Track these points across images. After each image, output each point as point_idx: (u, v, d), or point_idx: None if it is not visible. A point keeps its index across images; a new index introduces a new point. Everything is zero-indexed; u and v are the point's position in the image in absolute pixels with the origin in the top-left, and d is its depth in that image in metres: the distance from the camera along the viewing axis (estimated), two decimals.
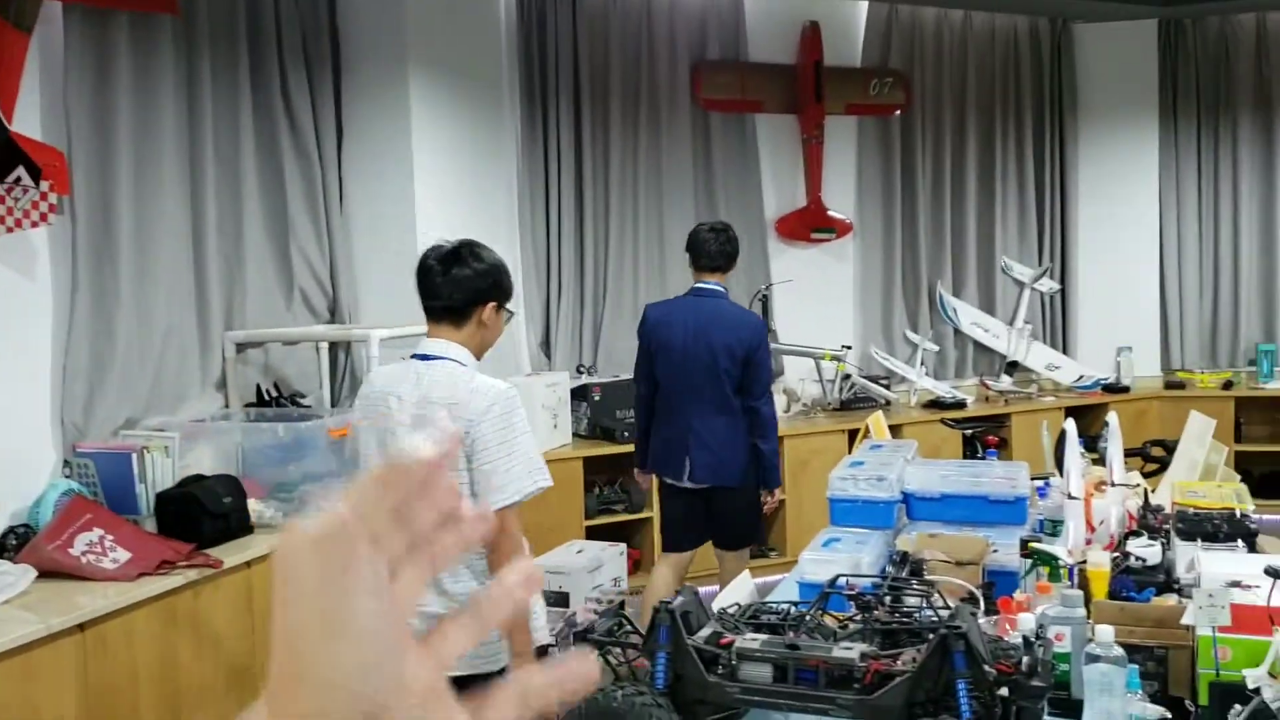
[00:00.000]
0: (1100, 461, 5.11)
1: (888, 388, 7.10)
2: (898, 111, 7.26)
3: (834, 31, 7.02)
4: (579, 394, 6.17)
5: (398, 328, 4.80)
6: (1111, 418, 3.59)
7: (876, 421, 4.04)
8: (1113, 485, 3.23)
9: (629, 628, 1.97)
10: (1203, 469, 3.82)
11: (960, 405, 7.10)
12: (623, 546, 5.38)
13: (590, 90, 6.29)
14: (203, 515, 3.78)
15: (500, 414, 2.68)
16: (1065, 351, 7.94)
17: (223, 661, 3.63)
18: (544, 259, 6.25)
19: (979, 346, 7.68)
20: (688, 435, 4.40)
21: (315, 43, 5.03)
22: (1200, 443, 4.02)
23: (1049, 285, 7.85)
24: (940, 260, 7.56)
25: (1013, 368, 7.63)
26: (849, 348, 6.87)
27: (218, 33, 4.59)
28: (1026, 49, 7.73)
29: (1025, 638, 1.82)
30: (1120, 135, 7.87)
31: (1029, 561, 2.64)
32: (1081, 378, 7.69)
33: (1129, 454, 5.40)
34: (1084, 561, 2.62)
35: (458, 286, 2.82)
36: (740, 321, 4.50)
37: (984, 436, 7.06)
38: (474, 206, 5.65)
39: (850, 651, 1.76)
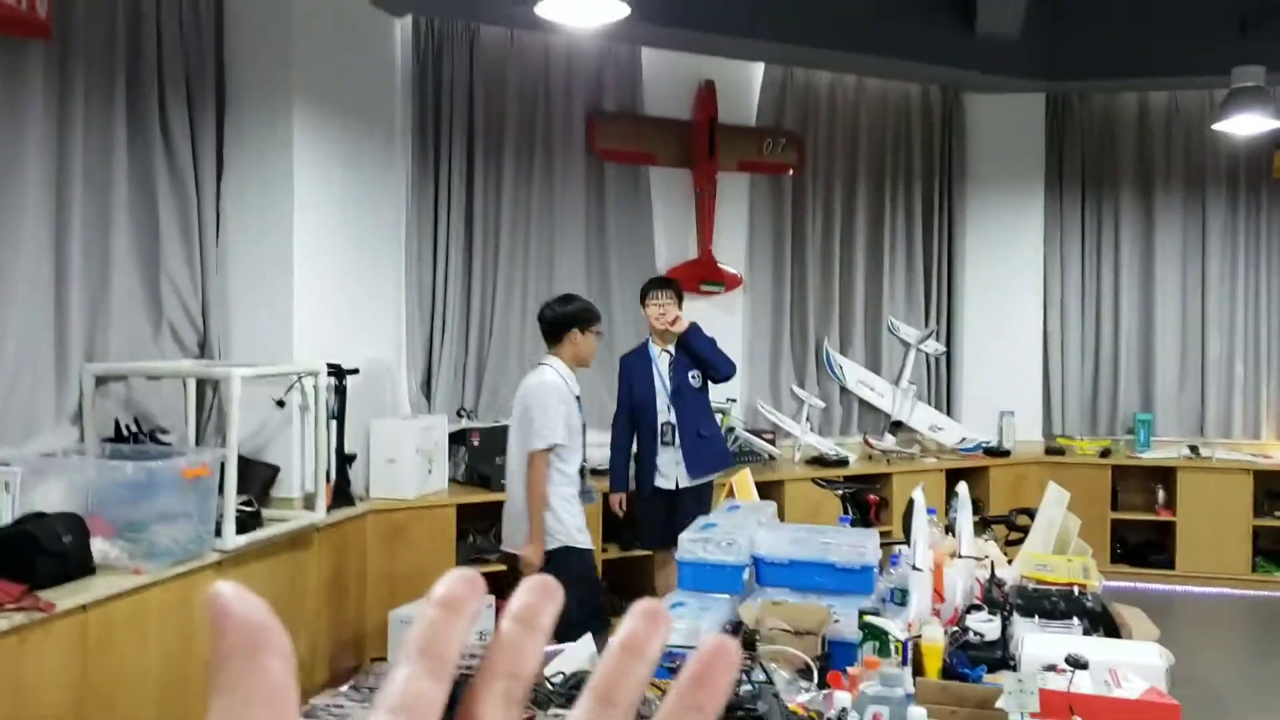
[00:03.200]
0: (1010, 526, 5.26)
1: (773, 443, 7.15)
2: (790, 171, 7.38)
3: (729, 89, 7.12)
4: (459, 439, 6.11)
5: (256, 364, 4.70)
6: (961, 488, 3.64)
7: (741, 480, 4.05)
8: (960, 557, 3.27)
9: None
10: (1056, 540, 3.89)
11: (843, 463, 7.18)
12: (492, 599, 5.31)
13: (485, 133, 6.28)
14: (38, 554, 3.63)
15: (544, 394, 4.25)
16: (949, 413, 8.09)
17: (47, 710, 3.48)
18: (429, 300, 6.19)
19: (864, 404, 7.78)
20: None
21: (199, 73, 4.95)
22: (1056, 513, 4.09)
23: (934, 347, 8.01)
24: (828, 317, 7.67)
25: (897, 427, 7.75)
26: (733, 400, 6.91)
27: (94, 59, 4.49)
28: (918, 116, 7.93)
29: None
30: (1007, 204, 8.10)
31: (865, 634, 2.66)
32: (964, 440, 7.83)
33: (994, 521, 5.53)
34: (919, 636, 2.64)
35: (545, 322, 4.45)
36: None
37: (865, 496, 7.15)
38: (356, 245, 5.59)
39: None
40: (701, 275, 7.06)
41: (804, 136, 7.46)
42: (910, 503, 3.16)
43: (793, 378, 7.54)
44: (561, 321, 4.39)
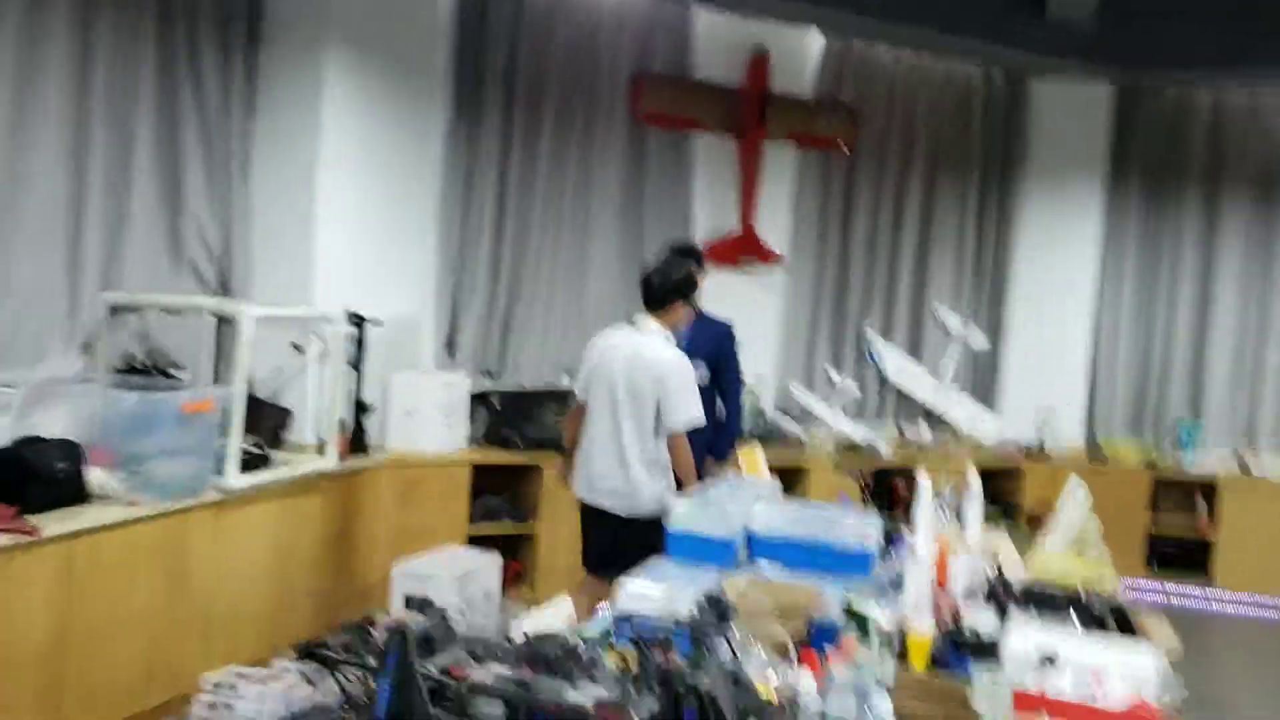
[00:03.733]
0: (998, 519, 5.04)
1: (803, 426, 6.99)
2: (842, 146, 7.18)
3: (785, 58, 6.93)
4: (481, 400, 6.03)
5: (276, 306, 4.64)
6: (973, 478, 3.47)
7: (749, 456, 3.92)
8: (966, 550, 3.12)
9: (369, 645, 1.83)
10: (1076, 542, 3.72)
11: (874, 451, 7.00)
12: (498, 556, 5.23)
13: (526, 87, 6.15)
14: (31, 479, 3.60)
15: (686, 369, 4.16)
16: (990, 407, 7.87)
17: (30, 636, 3.44)
18: (458, 258, 6.09)
19: (901, 393, 7.59)
20: None
21: (232, 5, 4.87)
22: (1077, 513, 3.92)
23: (979, 342, 7.78)
24: (870, 302, 7.47)
25: (934, 419, 7.56)
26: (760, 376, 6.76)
27: None
28: (980, 99, 7.68)
29: (783, 703, 1.69)
30: (1066, 196, 7.84)
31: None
32: (1003, 437, 7.62)
33: (1031, 520, 5.33)
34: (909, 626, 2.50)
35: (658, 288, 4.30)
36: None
37: (891, 482, 6.97)
38: (387, 194, 5.50)
39: (584, 697, 1.63)
40: (742, 250, 6.90)
41: (859, 112, 7.26)
42: (914, 490, 3.01)
43: (829, 360, 7.36)
44: (673, 289, 4.27)
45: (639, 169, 6.60)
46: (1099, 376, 7.96)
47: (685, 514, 3.02)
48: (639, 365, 4.15)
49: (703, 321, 4.81)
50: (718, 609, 2.44)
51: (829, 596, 2.68)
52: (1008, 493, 7.47)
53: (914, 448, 7.26)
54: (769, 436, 6.83)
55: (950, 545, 3.37)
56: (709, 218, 6.88)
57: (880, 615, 2.39)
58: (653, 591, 2.63)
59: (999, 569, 3.07)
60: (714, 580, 2.78)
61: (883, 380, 7.51)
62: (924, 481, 3.02)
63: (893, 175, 7.45)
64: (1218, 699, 5.61)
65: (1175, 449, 7.78)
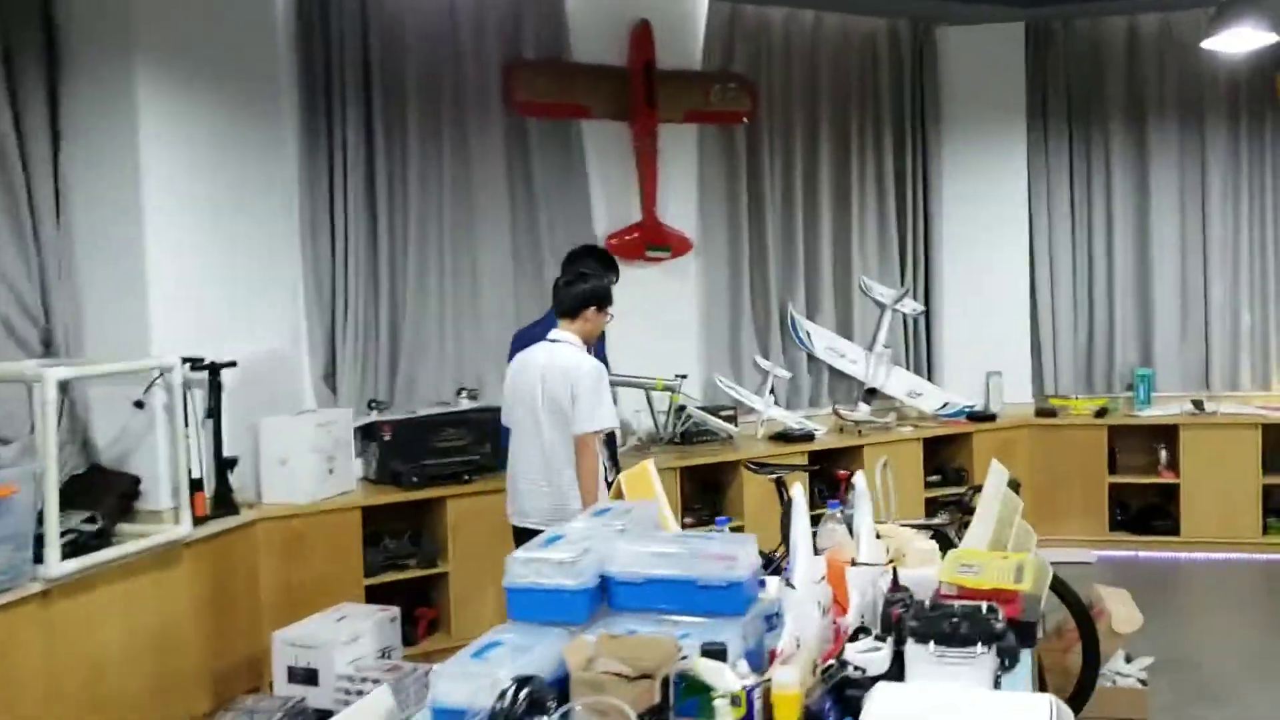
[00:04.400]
0: (963, 509, 4.55)
1: (733, 420, 6.54)
2: (742, 120, 6.72)
3: (669, 31, 6.46)
4: (371, 433, 5.55)
5: (100, 363, 4.14)
6: (859, 479, 3.02)
7: (635, 477, 3.45)
8: (855, 564, 2.68)
9: None
10: (994, 533, 3.28)
11: (808, 437, 6.56)
12: (395, 611, 4.73)
13: (385, 88, 5.64)
14: None
15: (597, 373, 4.14)
16: (930, 377, 7.45)
17: None
18: (328, 282, 5.59)
19: (835, 373, 7.16)
20: None
21: (21, 30, 4.35)
22: (997, 497, 3.48)
23: (912, 306, 7.37)
24: (793, 280, 7.03)
25: (871, 395, 7.13)
26: (684, 376, 6.30)
27: None
28: (885, 53, 7.24)
29: None
30: (987, 147, 7.42)
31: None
32: (945, 405, 7.21)
33: (947, 504, 4.90)
34: (768, 680, 2.06)
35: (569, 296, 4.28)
36: None
37: (834, 473, 6.53)
38: (233, 222, 4.97)
39: None
40: (647, 239, 6.43)
41: (756, 81, 6.80)
42: (787, 503, 2.56)
43: (755, 348, 6.91)
44: (584, 297, 4.28)
45: (524, 165, 6.12)
46: (1041, 331, 7.55)
47: (523, 562, 2.55)
48: (552, 374, 4.16)
49: None
50: (534, 695, 1.99)
51: (691, 648, 2.22)
52: (955, 462, 7.05)
53: (854, 429, 6.83)
54: (694, 438, 6.39)
55: (852, 555, 2.93)
56: (609, 209, 6.40)
57: (730, 679, 1.94)
58: (479, 672, 2.17)
59: (894, 579, 2.62)
60: (555, 646, 2.32)
61: (812, 360, 7.08)
62: (796, 493, 2.57)
63: (801, 144, 7.00)
64: (1194, 654, 5.22)
65: (1131, 401, 7.40)
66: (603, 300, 4.34)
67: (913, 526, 4.79)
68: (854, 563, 2.73)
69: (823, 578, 2.57)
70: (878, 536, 3.19)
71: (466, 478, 5.42)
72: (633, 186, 6.42)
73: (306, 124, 5.46)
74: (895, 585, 2.60)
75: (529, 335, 4.66)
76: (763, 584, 2.65)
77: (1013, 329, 7.47)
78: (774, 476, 4.64)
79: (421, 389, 5.81)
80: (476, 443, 5.57)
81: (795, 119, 6.96)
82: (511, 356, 4.53)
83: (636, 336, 5.95)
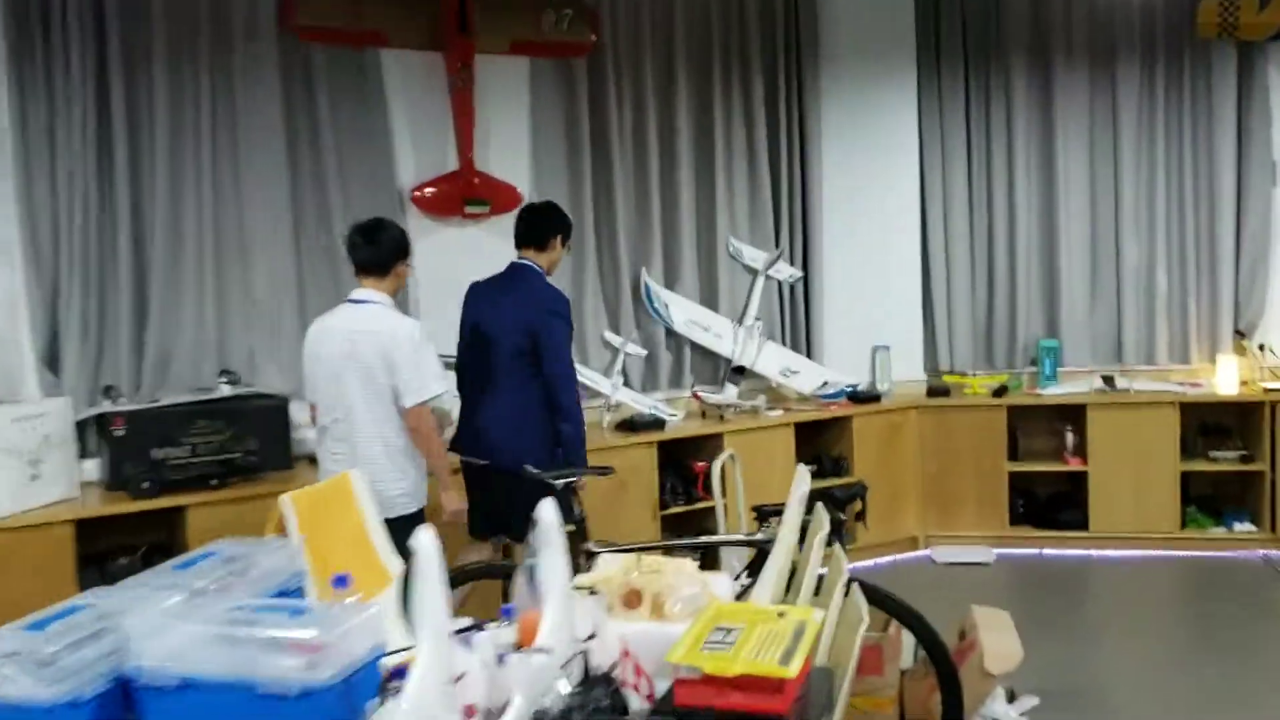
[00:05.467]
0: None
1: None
2: (583, 53, 5.73)
3: None
4: (102, 427, 4.51)
5: None
6: (545, 508, 2.06)
7: (314, 498, 2.47)
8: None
9: None
10: (799, 571, 2.36)
11: (658, 424, 5.62)
12: None
13: (119, 7, 4.60)
14: None
15: (415, 336, 3.73)
16: (808, 353, 6.54)
17: None
18: (50, 239, 4.53)
19: (699, 350, 6.22)
20: None
21: None
22: (798, 518, 2.57)
23: (788, 272, 6.45)
24: (647, 243, 6.06)
25: (740, 374, 6.21)
26: None
27: None
28: None
29: None
30: (871, 90, 6.48)
31: None
32: (825, 384, 6.31)
33: (770, 514, 3.96)
34: None
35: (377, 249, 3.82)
36: None
37: (692, 466, 5.63)
38: None
39: None
40: (463, 192, 5.43)
41: (599, 7, 5.82)
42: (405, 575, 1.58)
43: (603, 321, 5.96)
44: (395, 252, 3.84)
45: (307, 103, 5.07)
46: (934, 299, 6.68)
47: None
48: (364, 341, 3.69)
49: (516, 284, 4.27)
50: None
51: None
52: (834, 450, 6.17)
53: (715, 414, 5.91)
54: None
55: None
56: (418, 157, 5.37)
57: None
58: None
59: (584, 673, 1.67)
60: None
61: (671, 335, 6.14)
62: (421, 543, 1.61)
63: (655, 83, 6.01)
64: (1091, 689, 4.36)
65: (1035, 377, 6.57)
66: (407, 252, 3.89)
67: (733, 544, 3.93)
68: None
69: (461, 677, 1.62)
70: (642, 572, 2.25)
71: (214, 482, 4.40)
72: (447, 130, 5.41)
73: (15, 48, 4.39)
74: (586, 678, 1.66)
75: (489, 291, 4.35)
76: (397, 677, 1.70)
77: (902, 297, 6.59)
78: (563, 482, 3.69)
79: (175, 373, 4.76)
80: (237, 438, 4.55)
81: (647, 53, 5.96)
82: (465, 318, 4.32)
83: (454, 308, 4.95)
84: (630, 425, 5.54)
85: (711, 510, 5.00)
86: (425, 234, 5.30)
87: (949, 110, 6.62)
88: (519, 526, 4.07)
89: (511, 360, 4.14)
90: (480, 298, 4.34)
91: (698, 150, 6.16)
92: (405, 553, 3.26)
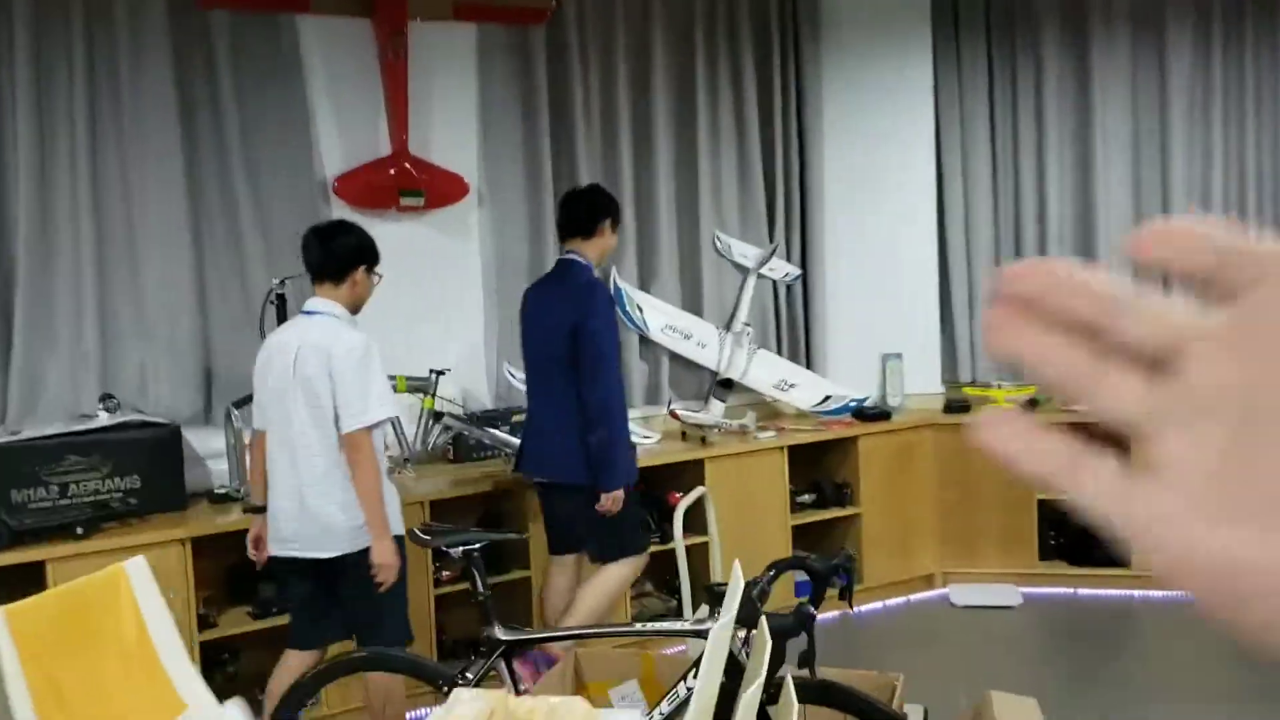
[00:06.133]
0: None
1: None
2: (541, 19, 4.92)
3: None
4: None
5: None
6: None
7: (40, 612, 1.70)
8: None
9: None
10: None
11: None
12: None
13: None
14: None
15: (362, 353, 3.17)
16: (808, 364, 5.72)
17: None
18: None
19: (680, 361, 5.41)
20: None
21: None
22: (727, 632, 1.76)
23: (785, 270, 5.62)
24: (619, 239, 5.25)
25: (728, 388, 5.40)
26: (440, 373, 4.52)
27: None
28: None
29: None
30: (881, 62, 5.63)
31: None
32: (827, 399, 5.49)
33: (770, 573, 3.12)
34: None
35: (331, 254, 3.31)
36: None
37: (667, 496, 4.83)
38: None
39: None
40: (398, 181, 4.65)
41: None
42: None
43: None
44: (351, 257, 3.36)
45: (207, 77, 4.28)
46: (954, 301, 5.83)
47: None
48: (307, 356, 3.23)
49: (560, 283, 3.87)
50: None
51: None
52: (837, 476, 5.35)
53: (697, 435, 5.10)
54: (472, 452, 4.65)
55: None
56: (344, 140, 4.59)
57: None
58: None
59: None
60: None
61: (647, 344, 5.33)
62: None
63: (628, 53, 5.18)
64: None
65: None
66: (371, 259, 3.41)
67: (676, 634, 3.12)
68: None
69: None
70: None
71: (80, 530, 3.65)
72: (379, 109, 4.62)
73: None
74: None
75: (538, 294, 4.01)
76: None
77: (917, 298, 5.74)
78: (460, 550, 2.90)
79: (49, 399, 4.02)
80: (115, 475, 3.82)
81: (618, 18, 5.13)
82: (525, 325, 4.00)
83: (389, 316, 4.17)
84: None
85: (694, 550, 4.23)
86: None
87: (970, 85, 5.76)
88: (591, 545, 3.89)
89: (559, 367, 3.78)
90: (531, 302, 4.01)
91: (678, 132, 5.34)
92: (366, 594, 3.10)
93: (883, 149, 5.65)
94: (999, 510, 5.45)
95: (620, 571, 3.89)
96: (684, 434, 5.13)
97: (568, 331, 3.72)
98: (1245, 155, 5.59)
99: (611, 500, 3.75)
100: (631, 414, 5.12)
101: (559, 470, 3.82)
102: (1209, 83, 5.58)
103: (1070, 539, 5.55)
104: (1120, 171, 5.70)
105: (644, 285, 5.29)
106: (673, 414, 5.06)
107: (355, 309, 3.38)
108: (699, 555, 4.47)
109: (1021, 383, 5.79)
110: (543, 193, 4.96)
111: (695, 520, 4.44)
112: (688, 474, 4.84)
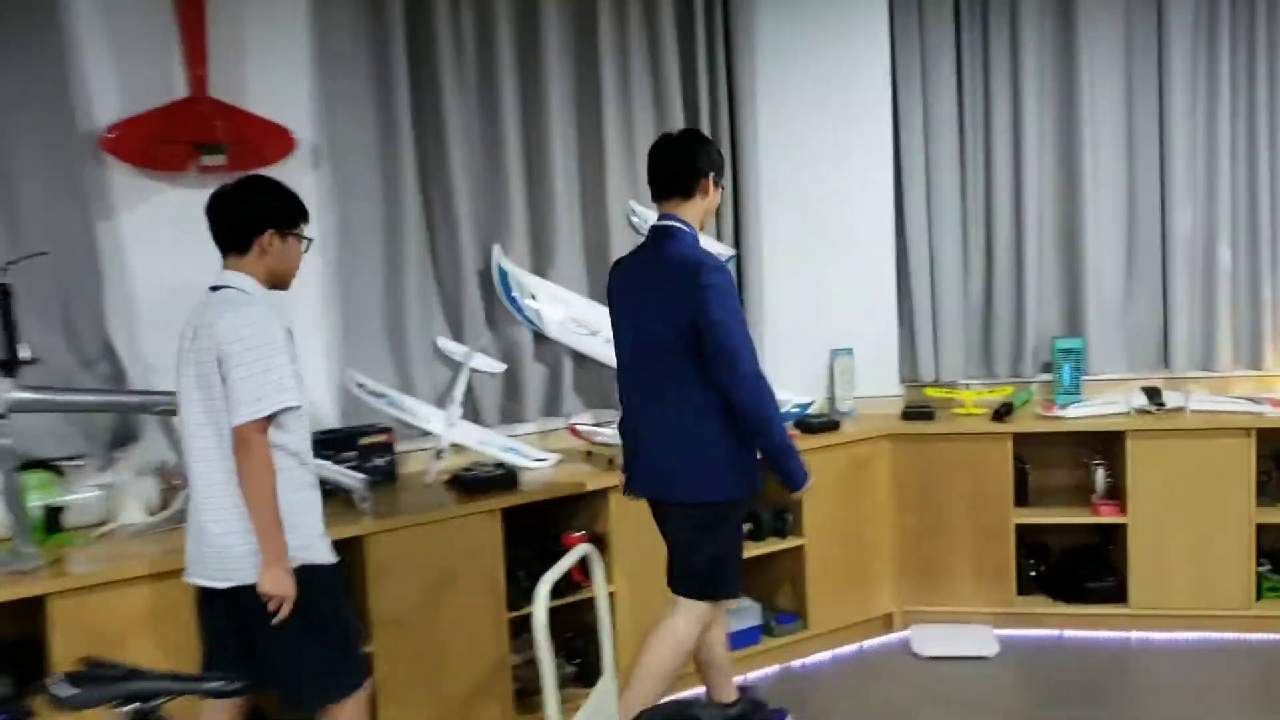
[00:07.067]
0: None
1: (386, 459, 3.66)
2: None
3: None
4: None
5: None
6: None
7: None
8: None
9: None
10: None
11: (507, 482, 3.64)
12: None
13: None
14: None
15: (254, 327, 2.52)
16: None
17: None
18: None
19: (586, 363, 4.25)
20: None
21: None
22: None
23: (716, 251, 4.51)
24: (502, 211, 4.05)
25: None
26: None
27: None
28: None
29: None
30: (828, 13, 4.56)
31: None
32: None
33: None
34: None
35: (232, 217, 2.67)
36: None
37: (564, 537, 3.69)
38: None
39: None
40: (194, 133, 3.42)
41: None
42: None
43: (440, 324, 4.00)
44: (254, 218, 2.63)
45: None
46: (913, 288, 4.76)
47: None
48: (200, 338, 2.55)
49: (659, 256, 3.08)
50: None
51: None
52: (775, 499, 4.25)
53: (603, 456, 3.97)
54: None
55: None
56: (123, 80, 3.36)
57: None
58: None
59: None
60: None
61: (543, 342, 4.18)
62: None
63: None
64: None
65: (1051, 389, 4.69)
66: (286, 219, 2.70)
67: None
68: None
69: None
70: None
71: None
72: (169, 41, 3.41)
73: None
74: None
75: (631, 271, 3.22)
76: None
77: (871, 284, 4.65)
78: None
79: None
80: None
81: None
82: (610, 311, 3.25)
83: (178, 310, 2.95)
84: (466, 485, 3.58)
85: (590, 602, 3.13)
86: (134, 198, 3.34)
87: (933, 34, 4.68)
88: (676, 571, 3.17)
89: (668, 360, 3.02)
90: (622, 284, 3.20)
91: (578, 78, 4.18)
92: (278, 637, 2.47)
93: (829, 109, 4.56)
94: (969, 536, 4.42)
95: (683, 625, 3.13)
96: (588, 454, 4.00)
97: (681, 325, 2.96)
98: (1257, 115, 4.55)
99: (806, 492, 3.17)
100: (524, 431, 4.01)
101: (670, 486, 3.10)
102: (1214, 32, 4.55)
103: (1055, 570, 4.54)
104: (1110, 132, 4.66)
105: (538, 269, 4.13)
106: (573, 430, 3.89)
107: (276, 282, 2.70)
108: (588, 611, 3.36)
109: (993, 382, 4.76)
110: (400, 150, 3.77)
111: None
112: (587, 508, 3.73)
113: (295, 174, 3.56)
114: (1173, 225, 4.59)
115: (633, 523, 3.54)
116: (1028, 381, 4.75)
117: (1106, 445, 4.42)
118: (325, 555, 2.64)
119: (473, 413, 3.93)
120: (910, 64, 4.65)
